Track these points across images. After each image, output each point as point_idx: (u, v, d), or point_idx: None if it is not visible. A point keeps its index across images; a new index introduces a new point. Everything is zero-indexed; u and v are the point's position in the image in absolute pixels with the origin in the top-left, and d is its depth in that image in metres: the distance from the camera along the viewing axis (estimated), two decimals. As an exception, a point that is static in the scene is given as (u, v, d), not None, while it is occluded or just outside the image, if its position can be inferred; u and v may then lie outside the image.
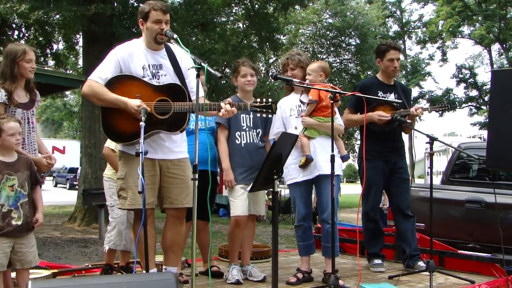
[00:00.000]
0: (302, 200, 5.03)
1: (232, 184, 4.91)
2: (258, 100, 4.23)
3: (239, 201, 4.89)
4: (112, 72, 4.13)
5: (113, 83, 4.10)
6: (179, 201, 4.30)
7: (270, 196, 17.30)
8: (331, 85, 5.04)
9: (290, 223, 16.67)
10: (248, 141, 5.00)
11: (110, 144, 5.26)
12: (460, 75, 37.95)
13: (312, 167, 4.92)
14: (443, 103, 6.32)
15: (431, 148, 5.12)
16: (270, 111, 4.20)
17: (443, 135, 62.66)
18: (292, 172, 5.01)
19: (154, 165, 4.23)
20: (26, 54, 4.37)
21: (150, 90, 4.13)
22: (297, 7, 20.48)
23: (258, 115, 4.32)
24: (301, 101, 5.08)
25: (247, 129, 5.02)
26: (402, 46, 39.80)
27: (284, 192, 19.11)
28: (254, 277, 5.00)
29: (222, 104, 4.11)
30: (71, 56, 20.03)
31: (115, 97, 4.03)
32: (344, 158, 5.14)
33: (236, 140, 4.99)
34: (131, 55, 4.21)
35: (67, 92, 29.80)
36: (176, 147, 4.35)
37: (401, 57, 34.97)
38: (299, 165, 4.93)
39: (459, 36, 37.53)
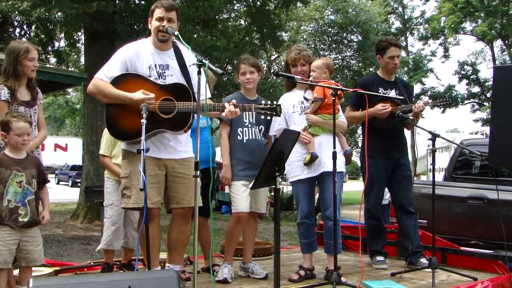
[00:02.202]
0: (305, 197, 5.02)
1: (228, 182, 4.90)
2: (263, 102, 4.22)
3: (242, 198, 4.88)
4: (118, 71, 4.14)
5: (118, 82, 4.10)
6: (186, 200, 4.29)
7: (272, 193, 17.37)
8: (334, 82, 5.02)
9: (292, 220, 16.68)
10: (250, 137, 4.99)
11: (100, 149, 5.29)
12: (462, 72, 37.99)
13: (316, 164, 4.91)
14: (444, 98, 6.30)
15: (434, 145, 5.11)
16: (274, 113, 4.19)
17: (445, 131, 62.56)
18: (296, 169, 5.00)
19: (159, 164, 4.23)
20: (29, 53, 4.38)
21: (155, 89, 4.12)
22: (298, 4, 20.45)
23: (263, 117, 4.32)
24: (305, 98, 5.06)
25: (249, 125, 5.00)
26: (404, 43, 39.82)
27: (286, 189, 19.14)
28: (256, 274, 5.00)
29: (226, 104, 4.10)
30: (73, 54, 20.04)
31: (120, 93, 4.03)
32: (347, 153, 5.13)
33: (238, 136, 4.97)
34: (138, 55, 4.21)
35: (69, 90, 29.91)
36: (181, 146, 4.34)
37: (403, 53, 35.04)
38: (304, 163, 4.92)
39: (461, 32, 37.55)
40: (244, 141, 4.97)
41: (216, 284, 4.67)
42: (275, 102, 4.24)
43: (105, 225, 5.23)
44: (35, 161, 4.16)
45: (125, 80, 4.13)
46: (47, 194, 4.28)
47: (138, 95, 3.97)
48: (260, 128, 5.06)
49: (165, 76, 4.25)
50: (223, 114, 4.12)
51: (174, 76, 4.27)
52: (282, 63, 5.82)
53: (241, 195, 4.88)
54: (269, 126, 5.10)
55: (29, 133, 4.06)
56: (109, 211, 5.19)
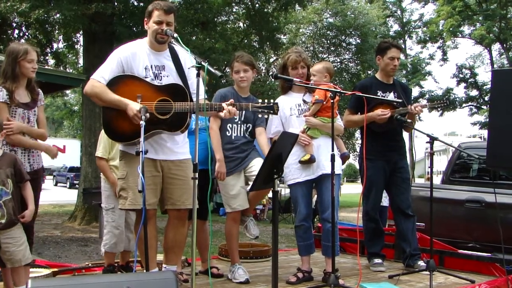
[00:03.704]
0: (303, 199, 5.02)
1: (223, 177, 4.85)
2: (260, 100, 4.23)
3: (239, 195, 4.89)
4: (114, 72, 4.13)
5: (115, 83, 4.11)
6: (181, 202, 4.30)
7: (270, 195, 17.37)
8: (333, 84, 5.03)
9: (290, 223, 16.68)
10: (238, 134, 4.99)
11: (97, 152, 5.27)
12: (461, 75, 37.99)
13: (315, 166, 4.92)
14: (442, 100, 6.32)
15: (432, 148, 5.12)
16: (272, 111, 4.20)
17: (444, 134, 62.65)
18: (294, 172, 5.00)
19: (156, 166, 4.23)
20: (28, 54, 4.37)
21: (151, 90, 4.12)
22: (297, 6, 20.48)
23: (260, 115, 4.32)
24: (304, 101, 5.07)
25: (239, 122, 5.00)
26: (403, 46, 39.85)
27: (284, 191, 19.14)
28: (250, 232, 5.08)
29: (224, 105, 4.10)
30: (71, 55, 20.03)
31: (116, 98, 4.03)
32: (344, 155, 5.14)
33: (227, 132, 4.97)
34: (134, 55, 4.21)
35: (68, 91, 29.88)
36: (178, 148, 4.35)
37: (402, 56, 35.07)
38: (299, 160, 4.91)
39: (460, 35, 37.57)
40: (233, 137, 4.97)
41: (214, 285, 4.68)
42: (272, 100, 4.24)
43: (107, 229, 5.22)
44: (11, 160, 4.11)
45: (122, 81, 4.14)
46: (30, 192, 4.21)
47: (136, 105, 3.95)
48: (247, 126, 5.04)
49: (161, 76, 4.25)
50: (222, 114, 4.13)
51: (170, 77, 4.27)
52: (288, 64, 5.72)
53: (236, 193, 4.89)
54: (256, 122, 5.07)
55: None
56: (111, 215, 5.19)
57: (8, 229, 4.02)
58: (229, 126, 4.97)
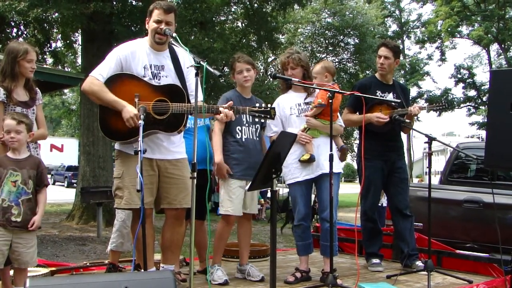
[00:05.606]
0: (302, 199, 5.01)
1: (225, 178, 4.85)
2: (257, 104, 4.23)
3: (236, 200, 4.87)
4: (113, 70, 4.13)
5: (113, 81, 4.10)
6: (178, 201, 4.30)
7: (268, 195, 17.37)
8: (331, 85, 5.01)
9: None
10: (248, 137, 4.98)
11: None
12: (459, 75, 38.05)
13: (314, 166, 4.91)
14: (441, 102, 6.32)
15: (430, 148, 5.12)
16: (268, 116, 4.20)
17: (442, 135, 62.76)
18: (294, 171, 4.99)
19: (152, 165, 4.23)
20: (27, 54, 4.38)
21: (149, 90, 4.12)
22: (296, 6, 20.48)
23: (257, 120, 4.32)
24: (306, 103, 5.06)
25: (247, 124, 4.99)
26: (401, 46, 39.89)
27: (282, 191, 19.14)
28: (253, 276, 4.98)
29: (220, 108, 4.10)
30: (69, 54, 19.99)
31: (114, 99, 4.02)
32: (342, 148, 5.15)
33: (237, 135, 4.95)
34: (134, 54, 4.21)
35: (66, 90, 29.80)
36: (174, 147, 4.34)
37: (400, 56, 35.11)
38: (299, 159, 4.91)
39: (458, 36, 37.65)
40: (243, 139, 4.95)
41: (212, 286, 4.68)
42: (269, 105, 4.25)
43: (116, 227, 5.22)
44: (35, 162, 4.15)
45: (120, 80, 4.13)
46: (44, 198, 4.21)
47: (132, 109, 3.95)
48: (256, 127, 5.05)
49: (159, 76, 4.25)
50: (218, 117, 4.13)
51: (169, 77, 4.27)
52: (279, 65, 5.79)
53: (234, 197, 4.86)
54: (264, 122, 5.07)
55: (17, 131, 4.02)
56: (120, 214, 5.18)
57: (22, 228, 4.02)
58: (238, 129, 4.95)
